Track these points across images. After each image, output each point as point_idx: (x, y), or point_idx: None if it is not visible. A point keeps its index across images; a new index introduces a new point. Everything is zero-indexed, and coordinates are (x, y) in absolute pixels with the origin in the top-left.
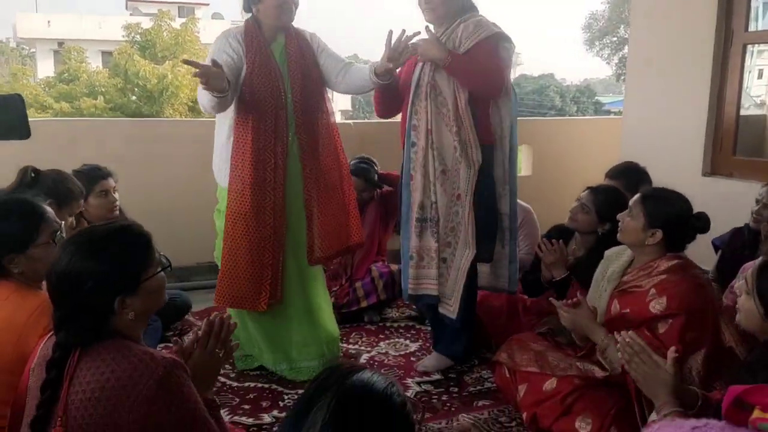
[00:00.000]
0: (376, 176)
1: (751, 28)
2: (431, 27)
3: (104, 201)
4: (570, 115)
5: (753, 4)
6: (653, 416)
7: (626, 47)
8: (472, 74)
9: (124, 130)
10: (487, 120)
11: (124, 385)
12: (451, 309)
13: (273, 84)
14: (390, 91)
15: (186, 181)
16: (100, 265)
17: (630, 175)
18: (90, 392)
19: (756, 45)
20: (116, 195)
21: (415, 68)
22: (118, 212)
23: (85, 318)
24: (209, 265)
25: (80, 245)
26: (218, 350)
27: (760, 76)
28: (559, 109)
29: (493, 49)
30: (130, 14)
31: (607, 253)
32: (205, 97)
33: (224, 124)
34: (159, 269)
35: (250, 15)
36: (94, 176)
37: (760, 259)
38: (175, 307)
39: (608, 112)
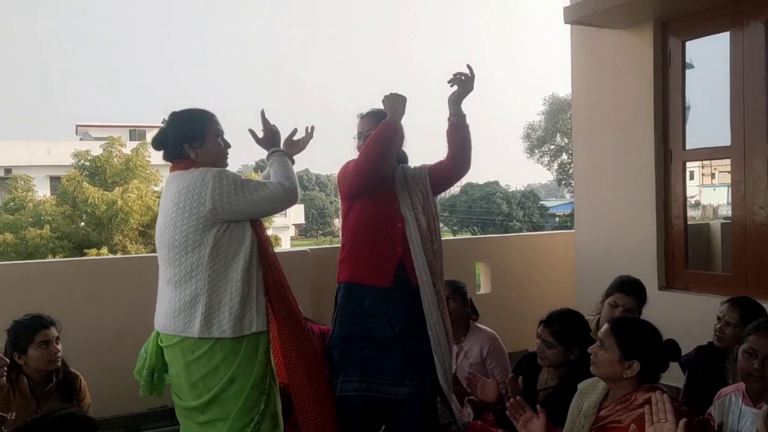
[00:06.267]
0: None
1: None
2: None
3: (44, 352)
4: (517, 219)
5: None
6: None
7: (564, 154)
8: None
9: (66, 269)
10: None
11: None
12: None
13: None
14: None
15: (133, 320)
16: None
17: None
18: None
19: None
20: (59, 345)
21: None
22: (59, 363)
23: None
24: (163, 411)
25: None
26: None
27: (691, 177)
28: (506, 214)
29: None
30: (80, 138)
31: (581, 386)
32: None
33: (234, 257)
34: None
35: None
36: (34, 326)
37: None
38: None
39: (554, 216)
